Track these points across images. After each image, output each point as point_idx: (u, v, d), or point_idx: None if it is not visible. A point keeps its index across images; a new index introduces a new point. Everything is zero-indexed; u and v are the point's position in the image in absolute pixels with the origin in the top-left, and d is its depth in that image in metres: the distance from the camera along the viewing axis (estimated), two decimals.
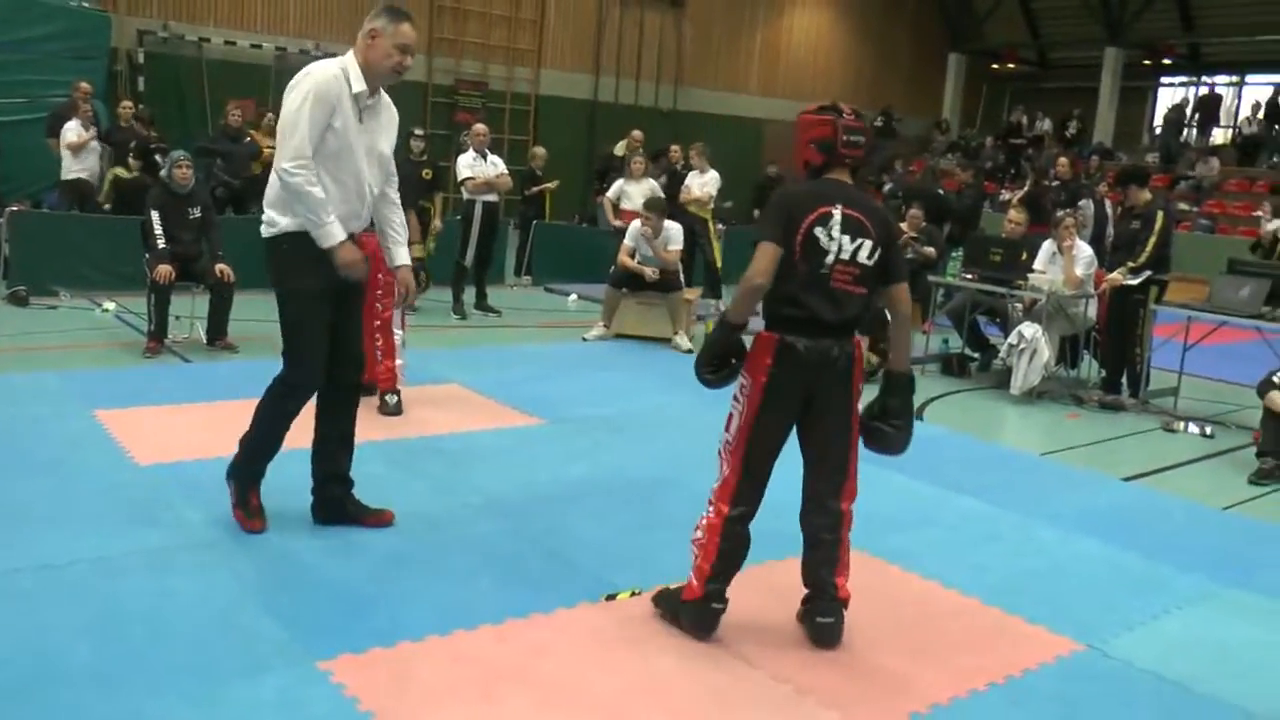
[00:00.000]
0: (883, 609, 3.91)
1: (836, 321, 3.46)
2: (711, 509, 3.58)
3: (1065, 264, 8.24)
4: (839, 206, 3.46)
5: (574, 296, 11.59)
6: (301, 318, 4.16)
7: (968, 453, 6.46)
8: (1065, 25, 23.64)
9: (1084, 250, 8.32)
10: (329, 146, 4.01)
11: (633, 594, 3.90)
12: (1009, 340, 8.18)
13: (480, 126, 10.57)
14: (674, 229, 9.34)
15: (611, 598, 3.88)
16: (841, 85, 23.97)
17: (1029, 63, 26.01)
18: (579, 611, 3.75)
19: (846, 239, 3.45)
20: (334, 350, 4.22)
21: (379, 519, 4.43)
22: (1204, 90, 23.67)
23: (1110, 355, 8.23)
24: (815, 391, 3.49)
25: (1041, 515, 5.22)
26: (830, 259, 3.44)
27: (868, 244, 3.48)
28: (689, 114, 20.97)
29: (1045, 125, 22.75)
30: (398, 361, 6.36)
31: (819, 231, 3.43)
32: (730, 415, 3.56)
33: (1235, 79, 23.67)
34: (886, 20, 24.27)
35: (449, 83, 18.38)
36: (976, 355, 9.09)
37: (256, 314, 7.54)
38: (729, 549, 3.55)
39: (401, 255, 4.41)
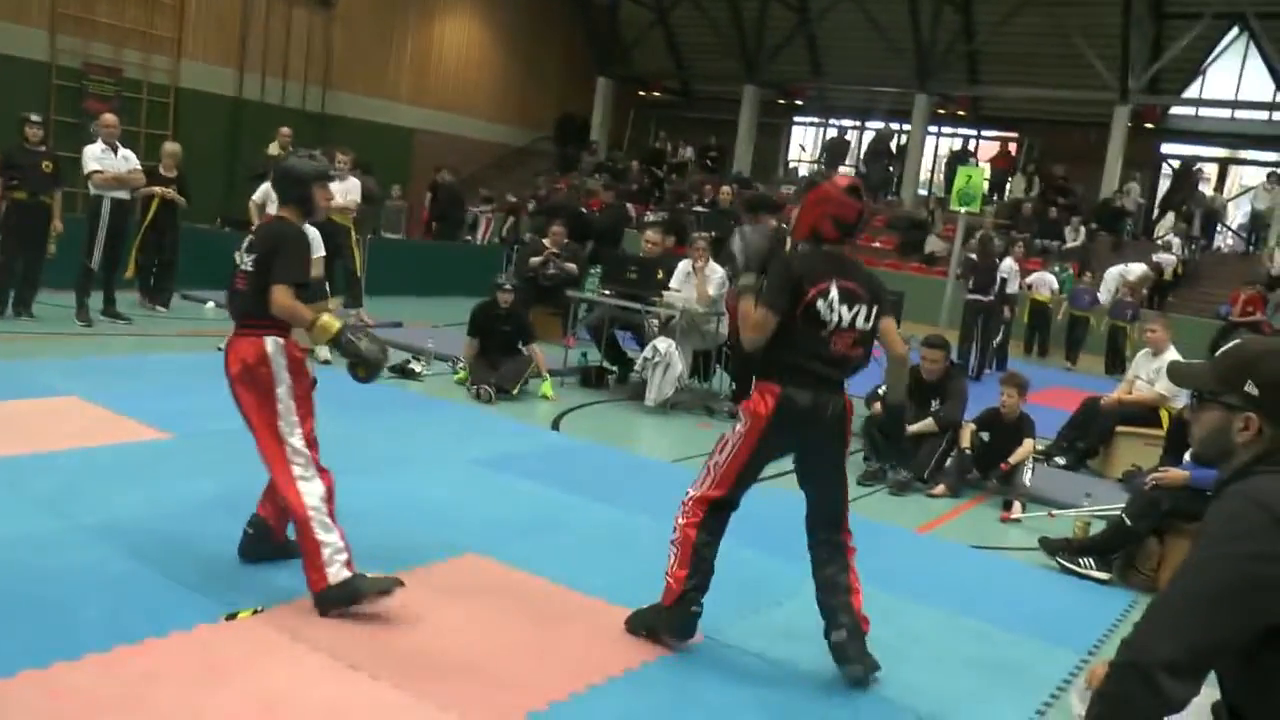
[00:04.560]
0: (508, 613, 4.02)
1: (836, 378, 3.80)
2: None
3: (698, 283, 8.77)
4: (834, 281, 3.73)
5: (211, 304, 10.96)
6: None
7: (602, 461, 6.74)
8: (707, 60, 25.17)
9: (716, 270, 8.89)
10: None
11: (254, 612, 3.78)
12: (644, 354, 8.61)
13: (110, 116, 9.88)
14: (315, 236, 9.08)
15: (232, 617, 3.74)
16: (491, 100, 24.26)
17: (674, 92, 27.46)
18: (196, 634, 3.58)
19: (845, 309, 3.75)
20: None
21: None
22: (833, 131, 25.90)
23: (740, 368, 8.81)
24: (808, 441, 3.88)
25: (670, 518, 5.50)
26: (829, 328, 3.74)
27: (863, 309, 3.79)
28: (337, 118, 20.45)
29: (688, 152, 24.11)
30: None
31: (820, 304, 3.71)
32: (725, 440, 3.93)
33: (857, 123, 26.00)
34: (535, 40, 24.75)
35: (76, 65, 16.88)
36: (614, 368, 9.48)
37: None
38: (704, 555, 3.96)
39: None
